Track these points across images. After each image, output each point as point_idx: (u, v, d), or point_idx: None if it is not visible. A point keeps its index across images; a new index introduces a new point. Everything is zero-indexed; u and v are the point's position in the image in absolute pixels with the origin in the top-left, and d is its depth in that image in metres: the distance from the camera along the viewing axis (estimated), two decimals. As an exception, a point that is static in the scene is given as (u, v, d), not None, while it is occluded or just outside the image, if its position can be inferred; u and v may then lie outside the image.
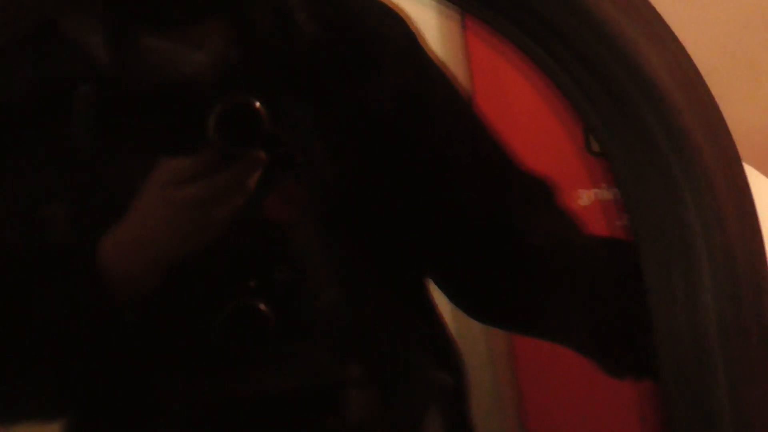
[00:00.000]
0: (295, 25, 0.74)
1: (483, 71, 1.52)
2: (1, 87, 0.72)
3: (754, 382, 0.45)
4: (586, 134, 1.45)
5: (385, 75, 0.76)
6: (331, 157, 0.74)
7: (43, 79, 0.71)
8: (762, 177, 0.54)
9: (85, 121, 0.68)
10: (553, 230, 0.76)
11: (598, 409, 1.74)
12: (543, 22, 0.45)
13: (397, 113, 0.75)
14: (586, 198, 1.46)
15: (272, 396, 0.73)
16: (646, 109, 0.43)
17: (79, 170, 0.70)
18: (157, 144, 0.67)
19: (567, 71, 0.45)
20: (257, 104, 0.64)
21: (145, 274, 0.67)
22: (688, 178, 0.45)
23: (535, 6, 0.45)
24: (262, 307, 0.70)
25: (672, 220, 0.47)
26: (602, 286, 0.69)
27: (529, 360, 1.86)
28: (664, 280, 0.48)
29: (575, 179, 1.44)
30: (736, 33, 0.65)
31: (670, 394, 0.47)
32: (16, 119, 0.71)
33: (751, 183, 0.47)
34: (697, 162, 0.45)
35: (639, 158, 0.46)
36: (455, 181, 0.78)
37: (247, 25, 0.74)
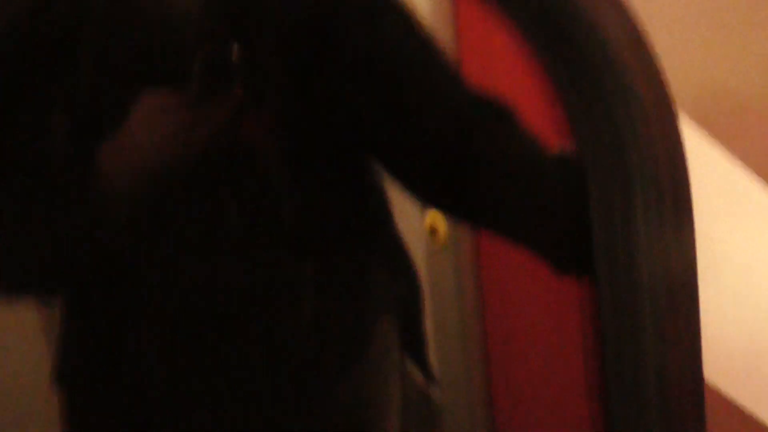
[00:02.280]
0: None
1: (469, 27, 1.59)
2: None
3: (673, 292, 0.56)
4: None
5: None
6: (295, 89, 0.85)
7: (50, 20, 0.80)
8: (694, 125, 0.63)
9: (88, 59, 0.78)
10: (509, 142, 0.81)
11: (555, 340, 1.86)
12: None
13: (353, 32, 0.84)
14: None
15: (235, 289, 0.85)
16: (594, 53, 0.53)
17: (82, 91, 0.80)
18: (147, 76, 0.78)
19: (525, 18, 0.54)
20: (236, 48, 0.74)
21: (134, 181, 0.78)
22: (629, 119, 0.55)
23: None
24: (233, 210, 0.82)
25: (613, 155, 0.57)
26: (554, 193, 0.76)
27: (496, 298, 1.97)
28: (606, 202, 0.58)
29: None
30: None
31: (602, 292, 0.58)
32: (34, 47, 0.80)
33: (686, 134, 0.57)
34: (635, 104, 0.54)
35: (586, 99, 0.56)
36: (412, 96, 0.85)
37: None
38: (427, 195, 0.90)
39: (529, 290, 1.90)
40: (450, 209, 0.93)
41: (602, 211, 0.59)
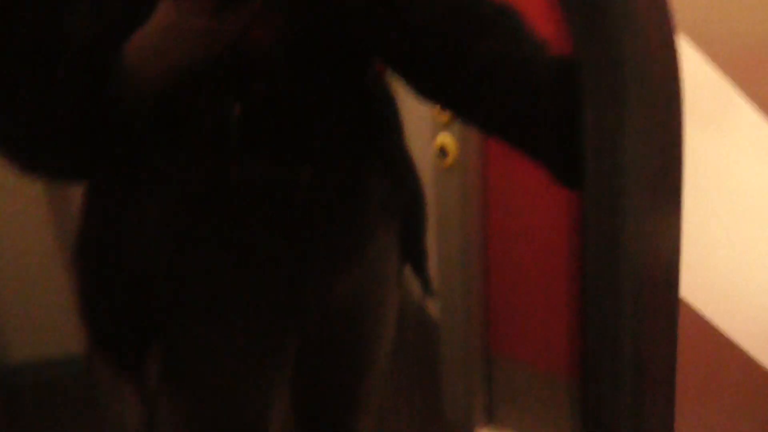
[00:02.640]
0: None
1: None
2: None
3: (657, 204, 0.58)
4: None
5: None
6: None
7: None
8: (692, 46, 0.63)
9: None
10: (511, 38, 0.80)
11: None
12: None
13: None
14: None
15: (234, 185, 0.90)
16: None
17: None
18: None
19: None
20: None
21: (154, 77, 0.80)
22: (627, 27, 0.56)
23: None
24: (237, 108, 0.84)
25: (611, 73, 0.58)
26: (554, 93, 0.74)
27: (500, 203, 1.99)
28: (598, 121, 0.59)
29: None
30: None
31: (588, 197, 0.60)
32: None
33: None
34: (637, 28, 0.55)
35: (588, 20, 0.57)
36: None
37: None
38: (430, 91, 0.91)
39: (535, 213, 1.93)
40: (451, 105, 0.93)
41: (594, 116, 0.60)
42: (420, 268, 1.20)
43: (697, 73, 0.64)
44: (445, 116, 1.95)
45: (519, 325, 2.08)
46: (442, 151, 1.98)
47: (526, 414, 2.15)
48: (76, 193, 0.98)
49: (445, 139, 1.98)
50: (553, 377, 2.02)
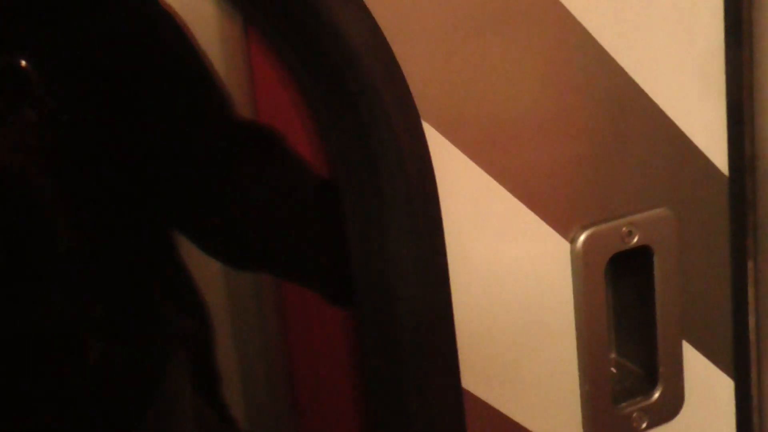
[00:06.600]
0: None
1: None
2: None
3: (430, 301, 0.56)
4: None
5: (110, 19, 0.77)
6: (75, 108, 0.77)
7: None
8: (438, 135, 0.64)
9: None
10: (279, 172, 0.79)
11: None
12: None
13: (122, 58, 0.76)
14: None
15: (10, 337, 0.76)
16: (337, 56, 0.52)
17: None
18: None
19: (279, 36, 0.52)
20: (24, 64, 0.66)
21: None
22: (379, 136, 0.54)
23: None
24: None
25: (367, 171, 0.56)
26: (319, 224, 0.74)
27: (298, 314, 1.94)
28: (363, 222, 0.57)
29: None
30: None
31: (363, 316, 0.57)
32: None
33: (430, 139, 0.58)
34: (385, 121, 0.54)
35: (340, 119, 0.55)
36: (180, 130, 0.80)
37: None
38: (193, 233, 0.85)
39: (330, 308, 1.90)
40: (219, 251, 0.87)
41: (360, 229, 0.58)
42: (214, 398, 1.11)
43: (444, 156, 0.63)
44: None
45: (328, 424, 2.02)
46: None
47: None
48: None
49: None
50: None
